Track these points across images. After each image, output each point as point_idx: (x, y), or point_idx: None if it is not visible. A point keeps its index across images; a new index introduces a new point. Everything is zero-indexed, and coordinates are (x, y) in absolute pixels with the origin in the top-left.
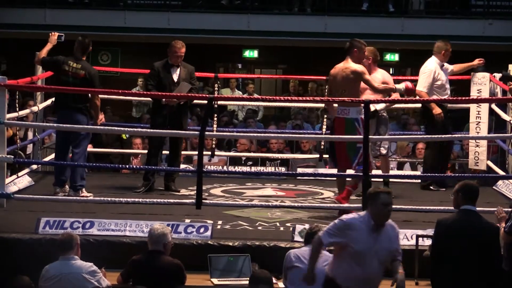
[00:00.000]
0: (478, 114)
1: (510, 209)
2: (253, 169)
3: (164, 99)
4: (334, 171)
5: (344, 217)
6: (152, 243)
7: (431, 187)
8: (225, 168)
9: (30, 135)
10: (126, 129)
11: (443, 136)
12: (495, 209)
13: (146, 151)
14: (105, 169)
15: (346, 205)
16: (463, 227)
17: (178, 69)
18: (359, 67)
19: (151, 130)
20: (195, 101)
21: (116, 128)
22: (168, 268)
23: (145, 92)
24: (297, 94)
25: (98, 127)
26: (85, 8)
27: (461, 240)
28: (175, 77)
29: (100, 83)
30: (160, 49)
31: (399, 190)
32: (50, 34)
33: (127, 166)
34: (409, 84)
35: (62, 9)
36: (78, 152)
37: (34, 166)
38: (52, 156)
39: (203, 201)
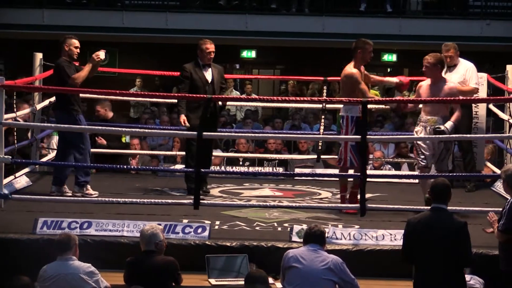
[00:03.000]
0: (476, 114)
1: (502, 209)
2: (251, 169)
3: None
4: (333, 171)
5: None
6: (145, 243)
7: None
8: (222, 168)
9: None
10: (123, 129)
11: (440, 136)
12: (490, 209)
13: (143, 152)
14: (103, 169)
15: (344, 205)
16: (429, 225)
17: (210, 69)
18: (351, 73)
19: (148, 130)
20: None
21: (112, 128)
22: (162, 266)
23: (142, 92)
24: (295, 95)
25: (94, 127)
26: (83, 8)
27: (428, 237)
28: (209, 76)
29: (69, 73)
30: (158, 49)
31: (397, 190)
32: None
33: (126, 166)
34: (402, 78)
35: (60, 9)
36: (75, 151)
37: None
38: (49, 157)
39: (200, 201)
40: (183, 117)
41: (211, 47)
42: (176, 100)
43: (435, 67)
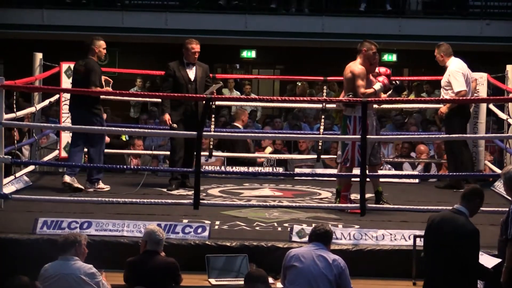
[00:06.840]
0: (476, 114)
1: (506, 217)
2: (251, 169)
3: None
4: (333, 171)
5: None
6: (152, 244)
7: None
8: (222, 168)
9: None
10: (128, 129)
11: (440, 136)
12: (491, 209)
13: (144, 152)
14: (104, 169)
15: (344, 205)
16: (441, 224)
17: (194, 67)
18: (357, 68)
19: (148, 131)
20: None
21: (120, 128)
22: (163, 267)
23: (142, 93)
24: (293, 95)
25: (103, 127)
26: (83, 8)
27: (437, 237)
28: (192, 75)
29: (94, 80)
30: (158, 49)
31: (397, 190)
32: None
33: (127, 167)
34: (385, 81)
35: (59, 9)
36: (94, 150)
37: (32, 167)
38: (49, 156)
39: (200, 201)
40: (167, 116)
41: (196, 47)
42: None
43: None
